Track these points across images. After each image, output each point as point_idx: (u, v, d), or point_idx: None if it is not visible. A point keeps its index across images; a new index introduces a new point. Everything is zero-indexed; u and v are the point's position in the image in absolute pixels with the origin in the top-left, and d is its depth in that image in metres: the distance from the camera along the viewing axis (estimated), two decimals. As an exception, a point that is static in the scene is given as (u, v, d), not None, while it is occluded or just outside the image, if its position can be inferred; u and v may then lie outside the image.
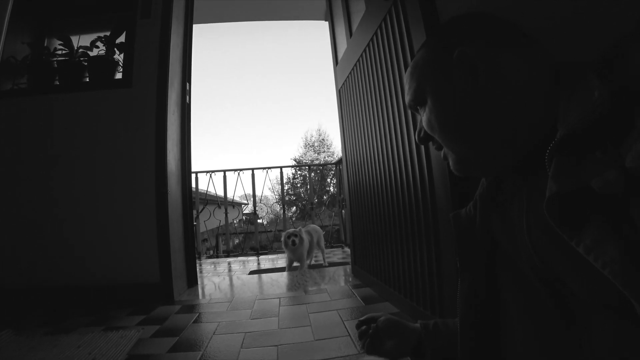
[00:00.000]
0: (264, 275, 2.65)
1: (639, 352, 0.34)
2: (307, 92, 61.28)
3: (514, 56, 0.45)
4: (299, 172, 26.96)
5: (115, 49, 2.30)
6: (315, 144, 29.64)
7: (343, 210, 4.35)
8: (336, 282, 2.21)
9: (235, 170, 4.28)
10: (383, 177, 1.67)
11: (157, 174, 2.07)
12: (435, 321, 0.70)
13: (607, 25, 0.57)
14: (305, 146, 29.75)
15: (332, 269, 2.74)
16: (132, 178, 2.08)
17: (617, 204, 0.30)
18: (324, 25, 2.99)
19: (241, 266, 3.42)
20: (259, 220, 5.03)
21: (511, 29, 0.48)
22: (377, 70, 1.63)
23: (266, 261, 3.74)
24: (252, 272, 3.02)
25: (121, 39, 2.29)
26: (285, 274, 2.73)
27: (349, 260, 2.76)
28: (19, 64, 2.29)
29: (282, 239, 3.16)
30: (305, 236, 3.17)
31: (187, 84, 2.49)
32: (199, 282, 2.42)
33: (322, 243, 3.58)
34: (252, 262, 3.72)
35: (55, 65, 2.30)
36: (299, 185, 27.23)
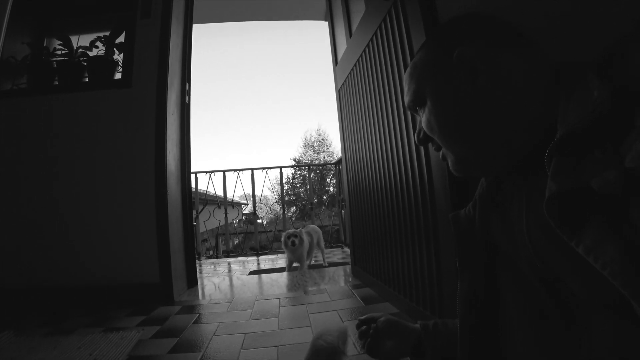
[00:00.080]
0: (263, 276, 2.64)
1: (639, 352, 0.34)
2: (307, 92, 61.33)
3: (514, 56, 0.45)
4: (298, 172, 26.97)
5: (115, 49, 2.30)
6: (315, 144, 29.66)
7: (342, 211, 4.35)
8: (336, 283, 2.21)
9: (234, 170, 4.28)
10: (383, 177, 1.67)
11: (156, 174, 2.07)
12: (434, 321, 0.70)
13: (607, 25, 0.57)
14: (305, 146, 29.76)
15: (331, 269, 2.74)
16: (131, 178, 2.08)
17: (616, 204, 0.30)
18: (324, 25, 2.99)
19: (241, 266, 3.42)
20: (258, 220, 5.03)
21: (510, 30, 0.48)
22: (377, 70, 1.63)
23: (266, 261, 3.74)
24: (252, 273, 3.02)
25: (121, 39, 2.29)
26: (285, 274, 2.73)
27: (348, 260, 2.76)
28: (19, 64, 2.29)
29: (282, 239, 3.16)
30: (305, 237, 3.18)
31: (187, 84, 2.49)
32: (198, 283, 2.42)
33: (322, 243, 3.58)
34: (252, 262, 3.72)
35: (55, 66, 2.30)
36: (298, 185, 27.24)
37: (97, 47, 2.31)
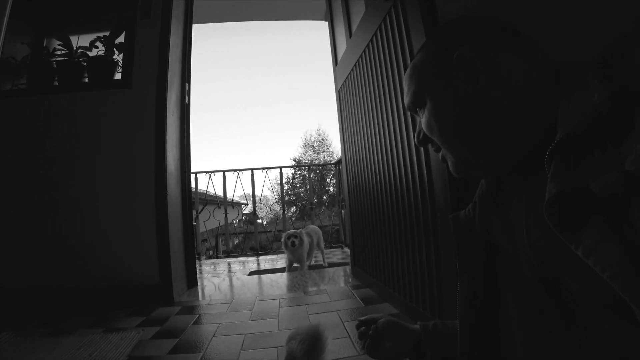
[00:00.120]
0: (263, 276, 2.64)
1: (639, 352, 0.34)
2: (307, 92, 61.35)
3: (514, 56, 0.45)
4: (298, 172, 26.98)
5: (115, 49, 2.29)
6: (315, 144, 29.67)
7: (342, 211, 4.35)
8: (336, 283, 2.21)
9: (234, 170, 4.28)
10: (382, 178, 1.67)
11: (156, 174, 2.07)
12: (434, 322, 0.70)
13: (607, 25, 0.56)
14: (305, 146, 29.77)
15: (331, 269, 2.74)
16: (131, 178, 2.08)
17: (616, 206, 0.30)
18: (324, 25, 2.99)
19: (241, 267, 3.42)
20: (258, 221, 5.03)
21: (510, 30, 0.48)
22: (377, 71, 1.63)
23: (266, 262, 3.74)
24: (252, 273, 3.02)
25: (121, 39, 2.29)
26: (285, 274, 2.73)
27: (348, 260, 2.76)
28: (19, 64, 2.29)
29: (282, 239, 3.16)
30: (305, 237, 3.18)
31: (187, 84, 2.49)
32: (198, 283, 2.42)
33: (322, 244, 3.59)
34: (251, 262, 3.72)
35: (55, 66, 2.30)
36: (298, 185, 27.24)
37: (97, 47, 2.31)
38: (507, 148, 0.45)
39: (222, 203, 4.26)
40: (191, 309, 1.82)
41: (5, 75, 2.27)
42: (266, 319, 1.60)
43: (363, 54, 1.80)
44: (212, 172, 4.24)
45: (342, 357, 1.15)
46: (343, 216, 4.34)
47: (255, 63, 64.69)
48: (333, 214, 4.89)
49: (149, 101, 2.12)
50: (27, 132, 2.14)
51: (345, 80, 2.19)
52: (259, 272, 3.06)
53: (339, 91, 2.37)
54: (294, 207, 25.67)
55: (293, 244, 3.06)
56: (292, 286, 2.23)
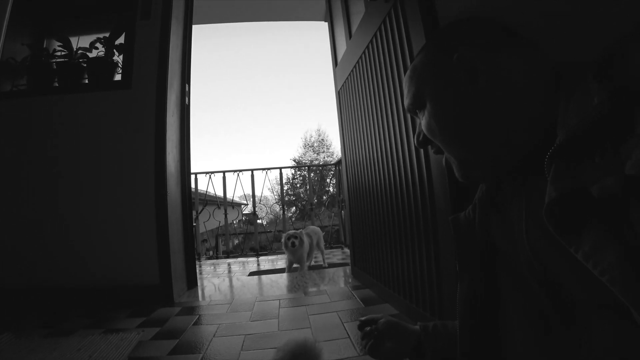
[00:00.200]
0: (263, 277, 2.64)
1: (639, 352, 0.34)
2: (307, 93, 61.38)
3: (514, 57, 0.45)
4: (298, 173, 26.98)
5: (115, 50, 2.30)
6: (315, 145, 29.67)
7: (342, 211, 4.35)
8: (336, 284, 2.21)
9: (234, 171, 4.28)
10: (382, 179, 1.67)
11: (156, 175, 2.07)
12: (434, 323, 0.70)
13: (607, 25, 0.56)
14: (305, 146, 29.77)
15: (331, 270, 2.74)
16: (131, 179, 2.08)
17: (616, 209, 0.30)
18: (324, 25, 2.99)
19: (241, 267, 3.42)
20: (258, 221, 5.03)
21: (509, 31, 0.48)
22: (377, 72, 1.63)
23: (266, 262, 3.74)
24: (251, 274, 3.02)
25: (120, 40, 2.29)
26: (285, 275, 2.73)
27: (348, 261, 2.76)
28: (19, 65, 2.29)
29: (282, 240, 3.16)
30: (305, 238, 3.18)
31: (187, 85, 2.49)
32: (198, 284, 2.42)
33: (322, 244, 3.59)
34: (251, 263, 3.72)
35: (55, 67, 2.30)
36: (298, 185, 27.24)
37: (96, 48, 2.31)
38: (507, 148, 0.45)
39: (222, 203, 4.26)
40: (191, 310, 1.82)
41: (5, 76, 2.27)
42: (266, 319, 1.59)
43: (363, 55, 1.80)
44: (212, 172, 4.24)
45: (342, 358, 1.15)
46: (343, 217, 4.34)
47: (255, 63, 64.76)
48: (333, 214, 4.89)
49: (149, 102, 2.12)
50: (27, 133, 2.14)
51: (345, 81, 2.19)
52: (259, 273, 3.06)
53: (338, 92, 2.37)
54: (294, 208, 25.67)
55: (293, 244, 3.06)
56: (292, 287, 2.23)
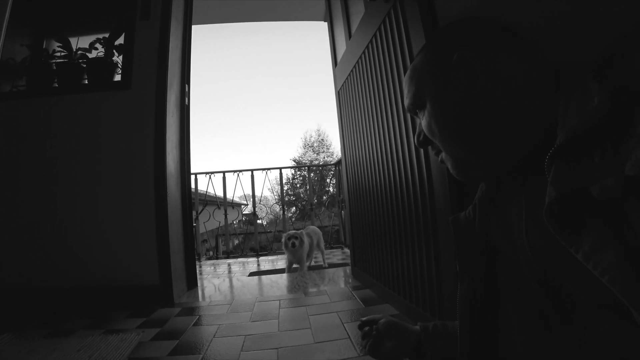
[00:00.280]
0: (263, 277, 2.64)
1: (639, 352, 0.34)
2: (307, 93, 61.39)
3: (513, 57, 0.45)
4: (298, 173, 26.98)
5: (114, 51, 2.30)
6: (315, 145, 29.68)
7: (342, 211, 4.35)
8: (336, 284, 2.21)
9: (234, 171, 4.28)
10: (382, 179, 1.66)
11: (156, 175, 2.06)
12: (434, 323, 0.70)
13: (607, 25, 0.56)
14: (305, 146, 29.79)
15: (331, 270, 2.74)
16: (131, 180, 2.08)
17: (616, 209, 0.30)
18: (324, 26, 2.99)
19: (241, 267, 3.42)
20: (258, 221, 5.02)
21: (509, 31, 0.48)
22: (376, 72, 1.63)
23: (266, 262, 3.74)
24: (252, 274, 3.02)
25: (120, 40, 2.29)
26: (285, 275, 2.73)
27: (348, 261, 2.76)
28: (18, 65, 2.29)
29: (282, 240, 3.17)
30: (305, 238, 3.18)
31: (186, 85, 2.49)
32: (198, 284, 2.42)
33: (322, 244, 3.59)
34: (251, 263, 3.72)
35: (54, 67, 2.30)
36: (298, 185, 27.25)
37: (96, 48, 2.31)
38: (506, 148, 0.45)
39: (222, 204, 4.26)
40: (191, 310, 1.82)
41: (5, 76, 2.27)
42: (266, 320, 1.59)
43: (362, 55, 1.80)
44: (212, 172, 4.24)
45: (342, 358, 1.15)
46: (343, 217, 4.34)
47: (254, 63, 64.78)
48: (333, 214, 4.89)
49: (149, 102, 2.12)
50: (26, 133, 2.14)
51: (345, 81, 2.19)
52: (259, 273, 3.06)
53: (338, 92, 2.37)
54: (294, 208, 25.68)
55: (293, 244, 3.06)
56: (292, 287, 2.23)
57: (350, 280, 2.25)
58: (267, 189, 7.13)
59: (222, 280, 2.64)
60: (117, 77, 2.27)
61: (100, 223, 2.06)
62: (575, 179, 0.32)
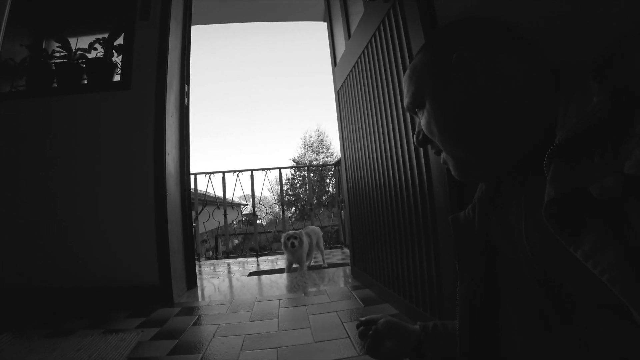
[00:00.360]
0: (263, 277, 2.64)
1: (639, 352, 0.34)
2: (306, 93, 61.37)
3: (513, 57, 0.45)
4: (297, 173, 26.98)
5: (114, 51, 2.30)
6: (314, 145, 29.68)
7: (342, 211, 4.35)
8: (335, 284, 2.21)
9: (234, 171, 4.28)
10: (382, 178, 1.67)
11: (155, 175, 2.06)
12: (434, 323, 0.70)
13: (607, 25, 0.56)
14: (304, 147, 29.79)
15: (331, 270, 2.74)
16: (131, 180, 2.08)
17: (615, 209, 0.30)
18: (323, 26, 2.99)
19: (240, 267, 3.41)
20: (258, 221, 5.02)
21: (509, 31, 0.48)
22: (376, 72, 1.63)
23: (265, 262, 3.74)
24: (251, 274, 3.02)
25: (119, 40, 2.29)
26: (284, 275, 2.73)
27: (348, 261, 2.76)
28: (18, 66, 2.29)
29: (282, 240, 3.16)
30: (304, 238, 3.18)
31: (186, 85, 2.49)
32: (198, 284, 2.42)
33: (322, 244, 3.59)
34: (251, 263, 3.72)
35: (54, 68, 2.30)
36: (298, 185, 27.25)
37: (95, 49, 2.31)
38: (506, 148, 0.45)
39: (222, 204, 4.25)
40: (191, 310, 1.82)
41: (4, 77, 2.27)
42: (266, 319, 1.59)
43: (362, 55, 1.80)
44: (212, 173, 4.24)
45: (342, 358, 1.15)
46: (342, 217, 4.34)
47: (254, 63, 64.75)
48: (333, 214, 4.89)
49: (148, 103, 2.12)
50: (26, 134, 2.14)
51: (344, 81, 2.19)
52: (258, 273, 3.06)
53: (338, 92, 2.37)
54: (294, 208, 25.68)
55: (293, 244, 3.06)
56: (292, 287, 2.23)
57: (349, 280, 2.25)
58: (266, 189, 7.14)
59: (222, 280, 2.64)
60: (117, 77, 2.27)
61: (100, 223, 2.06)
62: (575, 179, 0.32)
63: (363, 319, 0.76)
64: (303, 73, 63.23)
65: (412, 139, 1.31)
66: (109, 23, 2.33)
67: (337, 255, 3.99)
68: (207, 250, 6.40)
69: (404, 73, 1.29)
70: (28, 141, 2.13)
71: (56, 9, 2.45)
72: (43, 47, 2.46)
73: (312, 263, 3.53)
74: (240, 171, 4.28)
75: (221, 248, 6.47)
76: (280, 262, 3.68)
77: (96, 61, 2.28)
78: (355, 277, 2.28)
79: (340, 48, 2.28)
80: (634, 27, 0.50)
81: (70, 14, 2.47)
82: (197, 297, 2.12)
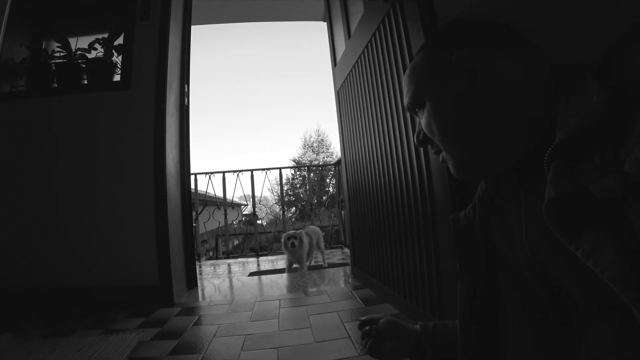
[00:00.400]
0: (263, 277, 2.64)
1: (639, 352, 0.34)
2: (306, 93, 61.38)
3: (512, 57, 0.45)
4: (298, 173, 26.97)
5: (114, 51, 2.29)
6: (314, 145, 29.66)
7: (342, 211, 4.35)
8: (336, 284, 2.21)
9: (234, 171, 4.28)
10: (382, 178, 1.67)
11: (156, 175, 2.06)
12: (434, 322, 0.70)
13: (607, 25, 0.56)
14: (304, 147, 29.77)
15: (331, 270, 2.74)
16: (131, 180, 2.08)
17: (615, 208, 0.30)
18: (323, 26, 2.99)
19: (241, 267, 3.41)
20: (258, 221, 5.02)
21: (509, 31, 0.47)
22: (376, 71, 1.63)
23: (266, 262, 3.74)
24: (251, 274, 3.02)
25: (119, 40, 2.29)
26: (285, 275, 2.73)
27: (348, 261, 2.76)
28: (17, 66, 2.29)
29: (282, 240, 3.16)
30: (305, 238, 3.18)
31: (186, 85, 2.49)
32: (198, 284, 2.42)
33: (322, 244, 3.59)
34: (251, 263, 3.72)
35: (54, 68, 2.30)
36: (298, 185, 27.24)
37: (95, 49, 2.31)
38: (506, 148, 0.45)
39: (222, 204, 4.25)
40: (191, 310, 1.82)
41: (4, 77, 2.27)
42: (266, 319, 1.59)
43: (362, 54, 1.80)
44: (212, 173, 4.24)
45: (342, 358, 1.15)
46: (343, 217, 4.34)
47: (254, 63, 64.74)
48: (333, 214, 4.89)
49: (148, 103, 2.12)
50: (26, 134, 2.14)
51: (344, 81, 2.19)
52: (259, 273, 3.06)
53: (338, 92, 2.37)
54: (294, 208, 25.67)
55: (293, 244, 3.06)
56: (292, 287, 2.23)
57: (350, 280, 2.25)
58: (266, 189, 7.16)
59: (222, 280, 2.64)
60: (117, 77, 2.27)
61: (100, 223, 2.06)
62: (575, 179, 0.32)
63: (363, 318, 0.76)
64: (303, 73, 63.28)
65: (412, 139, 1.31)
66: (109, 23, 2.33)
67: (338, 255, 3.99)
68: (208, 251, 6.40)
69: (404, 73, 1.29)
70: (28, 141, 2.13)
71: (56, 9, 2.45)
72: (43, 47, 2.46)
73: (313, 263, 3.53)
74: (240, 171, 4.28)
75: (221, 248, 6.47)
76: (280, 262, 3.68)
77: (96, 61, 2.28)
78: (355, 277, 2.28)
79: (340, 48, 2.28)
80: (633, 27, 0.50)
81: (70, 14, 2.47)
82: (198, 297, 2.12)
